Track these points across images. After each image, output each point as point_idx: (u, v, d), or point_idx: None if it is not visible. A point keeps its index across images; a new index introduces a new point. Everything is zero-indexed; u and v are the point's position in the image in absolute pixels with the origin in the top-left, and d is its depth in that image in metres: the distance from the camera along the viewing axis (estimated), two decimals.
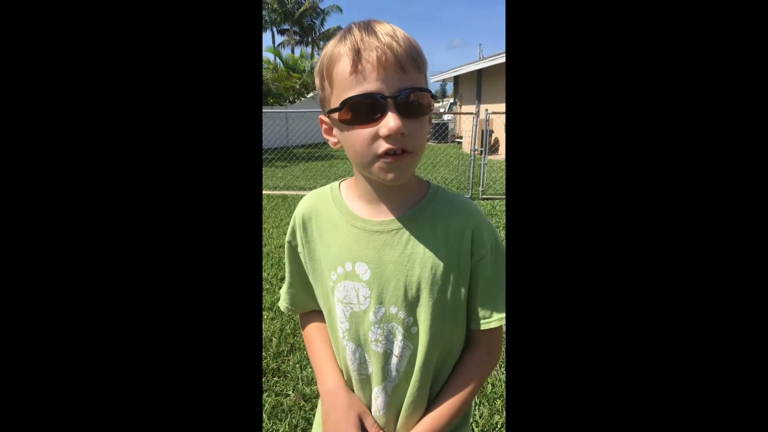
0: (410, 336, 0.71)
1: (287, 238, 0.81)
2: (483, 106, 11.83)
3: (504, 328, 0.74)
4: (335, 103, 0.63)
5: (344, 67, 0.61)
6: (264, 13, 27.69)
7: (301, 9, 28.23)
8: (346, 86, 0.61)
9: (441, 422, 0.73)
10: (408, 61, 0.61)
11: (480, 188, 6.53)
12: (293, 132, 13.58)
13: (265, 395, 2.01)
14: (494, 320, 0.73)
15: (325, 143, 0.72)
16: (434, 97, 0.66)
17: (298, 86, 16.47)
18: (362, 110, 0.61)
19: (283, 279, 1.20)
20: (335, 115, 0.64)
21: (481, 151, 6.68)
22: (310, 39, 29.97)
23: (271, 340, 2.47)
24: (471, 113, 7.72)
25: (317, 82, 0.68)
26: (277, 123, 13.20)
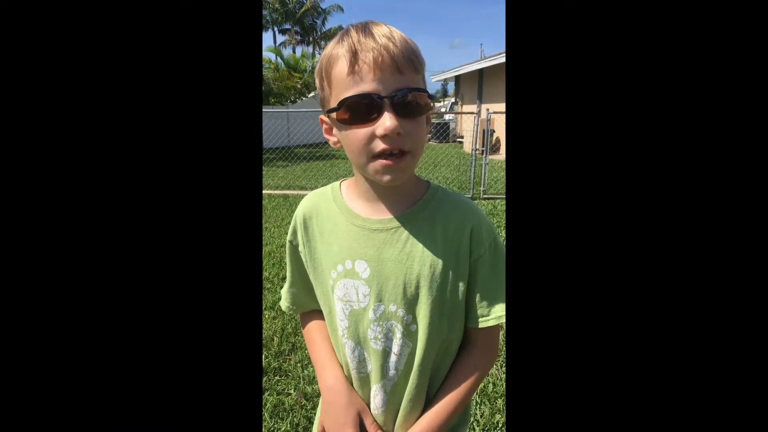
0: (409, 334, 0.72)
1: (288, 237, 0.82)
2: (484, 106, 11.81)
3: (502, 327, 0.75)
4: (333, 103, 0.65)
5: (342, 68, 0.62)
6: (265, 12, 27.68)
7: (303, 9, 28.23)
8: (343, 87, 0.63)
9: (439, 420, 0.74)
10: (404, 61, 0.62)
11: (481, 188, 6.52)
12: (294, 132, 13.58)
13: (266, 394, 2.01)
14: (492, 318, 0.73)
15: (327, 143, 0.73)
16: (432, 97, 0.67)
17: (299, 86, 16.48)
18: (359, 110, 0.62)
19: (284, 278, 1.20)
20: (334, 115, 0.65)
21: (482, 151, 6.67)
22: (311, 39, 29.96)
23: (273, 339, 2.47)
24: (472, 113, 7.72)
25: (317, 82, 0.70)
26: (279, 123, 13.20)
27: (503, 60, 11.18)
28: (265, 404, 1.94)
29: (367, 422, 0.76)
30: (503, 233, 3.67)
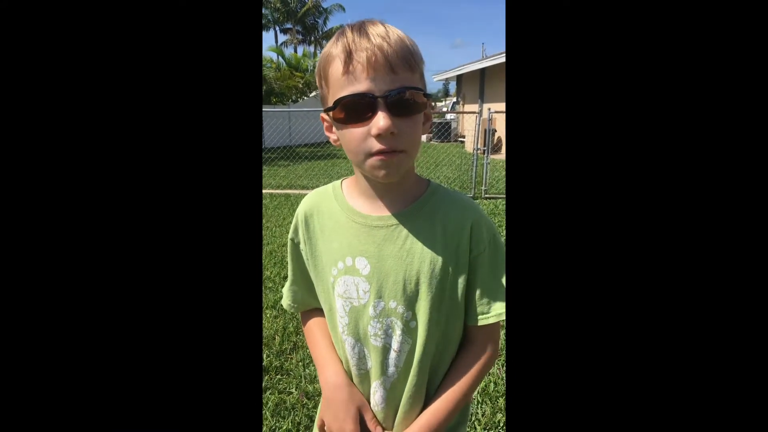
0: (409, 331, 0.72)
1: (290, 235, 0.83)
2: (486, 105, 11.80)
3: (502, 324, 0.75)
4: (330, 102, 0.66)
5: (337, 68, 0.63)
6: (267, 12, 27.70)
7: (304, 8, 28.24)
8: (339, 86, 0.64)
9: (438, 418, 0.74)
10: (398, 61, 0.62)
11: (483, 187, 6.52)
12: (296, 131, 13.59)
13: (268, 393, 2.02)
14: (492, 316, 0.74)
15: (328, 142, 0.74)
16: (428, 96, 0.67)
17: (300, 85, 16.49)
18: (354, 110, 0.63)
19: (285, 277, 1.21)
20: (331, 114, 0.66)
21: (484, 151, 6.67)
22: (312, 38, 29.97)
23: (275, 338, 2.48)
24: (474, 112, 7.72)
25: (317, 80, 0.71)
26: (280, 122, 13.21)
27: (505, 59, 11.17)
28: (267, 403, 1.94)
29: (367, 418, 0.77)
30: (505, 233, 3.67)
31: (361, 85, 0.62)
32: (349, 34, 0.63)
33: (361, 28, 0.63)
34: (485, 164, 6.56)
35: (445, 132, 15.05)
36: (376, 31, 0.62)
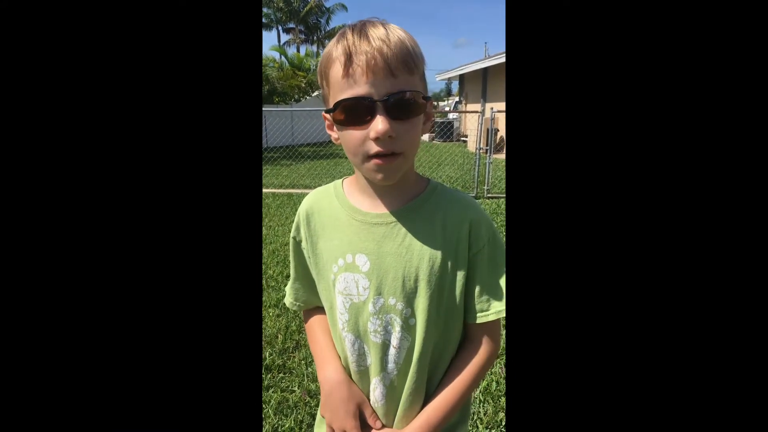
0: (408, 328, 0.73)
1: (292, 234, 0.84)
2: (488, 105, 11.78)
3: (502, 322, 0.75)
4: (331, 103, 0.67)
5: (337, 70, 0.64)
6: (269, 11, 27.71)
7: (307, 7, 28.23)
8: (339, 88, 0.65)
9: (439, 415, 0.74)
10: (398, 64, 0.63)
11: (485, 187, 6.51)
12: (298, 130, 13.60)
13: (270, 391, 2.02)
14: (492, 313, 0.74)
15: (331, 142, 0.75)
16: (426, 98, 0.68)
17: (303, 85, 16.49)
18: (353, 112, 0.64)
19: (288, 276, 1.22)
20: (331, 115, 0.67)
21: (486, 150, 6.66)
22: (315, 37, 29.96)
23: (277, 337, 2.49)
24: (476, 112, 7.71)
25: (318, 80, 0.72)
26: (283, 121, 13.23)
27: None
28: (270, 401, 1.95)
29: (367, 413, 0.77)
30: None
31: (360, 88, 0.62)
32: (349, 36, 0.64)
33: (361, 29, 0.64)
34: (488, 164, 6.55)
35: (448, 131, 15.02)
36: (376, 34, 0.63)
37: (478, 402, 1.95)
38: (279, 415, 1.88)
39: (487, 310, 0.74)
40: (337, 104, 0.64)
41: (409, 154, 0.68)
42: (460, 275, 0.73)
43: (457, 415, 0.79)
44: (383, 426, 0.78)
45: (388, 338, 0.74)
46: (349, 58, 0.62)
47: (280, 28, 29.54)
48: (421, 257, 0.71)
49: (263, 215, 5.35)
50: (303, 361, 2.26)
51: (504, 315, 0.72)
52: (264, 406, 1.93)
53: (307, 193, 0.85)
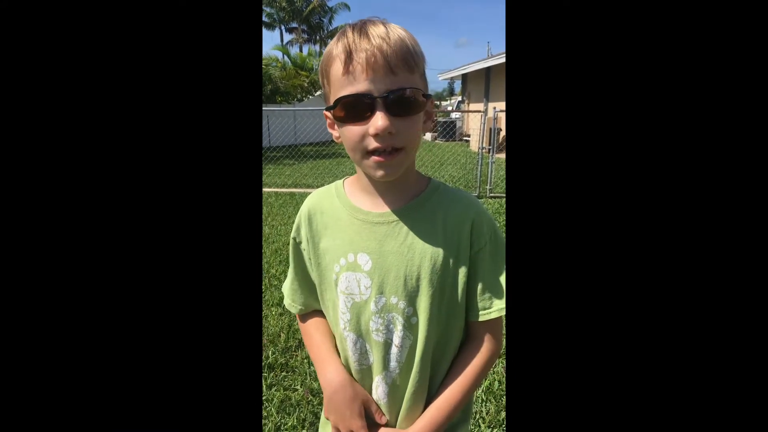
0: (410, 326, 0.73)
1: (292, 234, 0.84)
2: (491, 104, 11.77)
3: (503, 320, 0.75)
4: (332, 101, 0.67)
5: (337, 68, 0.65)
6: (272, 11, 27.75)
7: (309, 7, 28.25)
8: (339, 86, 0.65)
9: (442, 415, 0.74)
10: (397, 61, 0.63)
11: (488, 186, 6.51)
12: (301, 130, 13.62)
13: (273, 389, 2.03)
14: (494, 311, 0.74)
15: (333, 141, 0.75)
16: (427, 97, 0.68)
17: (306, 84, 16.51)
18: (353, 109, 0.65)
19: None
20: (332, 113, 0.68)
21: (489, 150, 6.66)
22: (318, 37, 29.98)
23: (280, 336, 2.50)
24: (479, 111, 7.71)
25: (319, 78, 0.72)
26: (286, 121, 13.25)
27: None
28: (272, 400, 1.96)
29: (372, 409, 0.77)
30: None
31: (360, 85, 0.63)
32: (349, 34, 0.64)
33: (362, 28, 0.65)
34: (490, 163, 6.54)
35: (450, 131, 15.01)
36: (376, 32, 0.63)
37: (480, 401, 1.95)
38: (282, 413, 1.89)
39: (489, 307, 0.74)
40: (338, 101, 0.65)
41: (410, 150, 0.68)
42: (462, 273, 0.73)
43: (459, 414, 0.79)
44: (389, 420, 0.78)
45: (390, 337, 0.74)
46: (349, 56, 0.63)
47: (282, 27, 29.57)
48: (422, 256, 0.71)
49: (266, 215, 5.36)
50: (306, 360, 2.27)
51: (505, 314, 0.72)
52: (267, 404, 1.94)
53: (309, 193, 0.86)
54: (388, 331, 0.74)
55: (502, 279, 0.74)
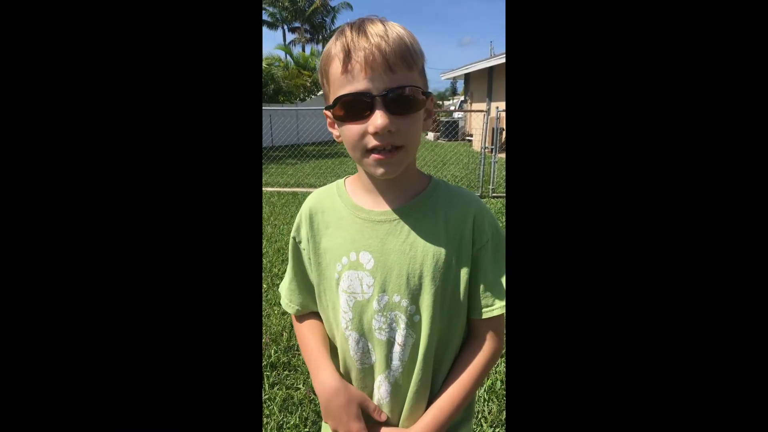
0: (413, 325, 0.73)
1: (292, 234, 0.83)
2: (494, 104, 11.76)
3: (505, 318, 0.75)
4: (331, 100, 0.67)
5: (336, 67, 0.65)
6: (275, 11, 27.77)
7: (312, 7, 28.26)
8: (338, 85, 0.65)
9: (445, 414, 0.74)
10: (396, 60, 0.63)
11: (490, 186, 6.50)
12: (303, 129, 13.63)
13: (276, 388, 2.04)
14: (496, 308, 0.74)
15: (336, 141, 0.75)
16: (427, 95, 0.68)
17: (308, 84, 16.53)
18: (352, 108, 0.65)
19: None
20: (331, 112, 0.68)
21: (492, 149, 6.65)
22: (320, 37, 29.98)
23: (282, 335, 2.50)
24: (482, 111, 7.70)
25: (319, 78, 0.72)
26: (288, 120, 13.26)
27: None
28: (275, 398, 1.96)
29: (371, 408, 0.77)
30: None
31: (359, 83, 0.63)
32: (348, 33, 0.64)
33: (360, 26, 0.65)
34: (493, 163, 6.53)
35: (453, 131, 15.00)
36: (374, 30, 0.63)
37: (482, 401, 1.95)
38: (284, 412, 1.89)
39: (491, 305, 0.74)
40: (337, 100, 0.65)
41: (410, 148, 0.68)
42: (464, 271, 0.73)
43: (462, 413, 0.78)
44: (389, 418, 0.78)
45: (392, 335, 0.74)
46: (347, 55, 0.63)
47: (285, 27, 29.59)
48: (425, 254, 0.71)
49: (269, 214, 5.37)
50: None
51: (505, 312, 0.72)
52: (269, 403, 1.95)
53: (311, 192, 0.86)
54: (391, 330, 0.73)
55: (504, 276, 0.74)
